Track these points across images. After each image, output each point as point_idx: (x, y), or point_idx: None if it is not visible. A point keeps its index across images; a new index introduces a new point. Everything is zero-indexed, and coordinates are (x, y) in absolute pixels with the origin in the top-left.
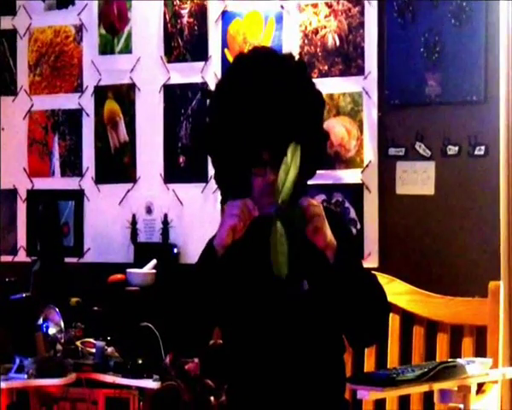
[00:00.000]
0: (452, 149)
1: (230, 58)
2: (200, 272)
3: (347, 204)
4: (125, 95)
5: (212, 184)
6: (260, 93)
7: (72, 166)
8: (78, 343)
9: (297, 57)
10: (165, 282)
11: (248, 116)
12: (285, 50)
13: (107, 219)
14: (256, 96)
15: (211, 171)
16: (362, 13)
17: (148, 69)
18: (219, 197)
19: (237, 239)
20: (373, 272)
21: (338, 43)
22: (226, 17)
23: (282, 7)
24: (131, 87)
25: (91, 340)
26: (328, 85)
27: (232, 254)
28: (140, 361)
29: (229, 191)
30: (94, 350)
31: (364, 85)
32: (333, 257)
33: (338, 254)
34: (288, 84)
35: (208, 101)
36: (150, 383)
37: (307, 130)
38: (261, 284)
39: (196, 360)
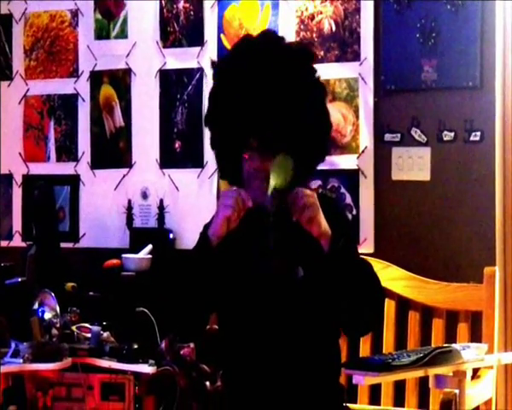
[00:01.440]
0: (448, 135)
1: (226, 43)
2: (196, 261)
3: (343, 190)
4: (121, 80)
5: (208, 169)
6: (255, 78)
7: (67, 152)
8: (73, 328)
9: (306, 45)
10: (161, 267)
11: (240, 100)
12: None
13: (103, 205)
14: (251, 81)
15: (207, 156)
16: None
17: (143, 54)
18: (215, 183)
19: (232, 229)
20: (368, 260)
21: (334, 28)
22: (222, 2)
23: None
24: (127, 72)
25: (87, 325)
26: (324, 71)
27: (227, 243)
28: (135, 346)
29: (223, 168)
30: (89, 335)
31: (360, 71)
32: (327, 246)
33: (333, 243)
34: (285, 73)
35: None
36: (146, 368)
37: (304, 122)
38: (255, 272)
39: (192, 345)
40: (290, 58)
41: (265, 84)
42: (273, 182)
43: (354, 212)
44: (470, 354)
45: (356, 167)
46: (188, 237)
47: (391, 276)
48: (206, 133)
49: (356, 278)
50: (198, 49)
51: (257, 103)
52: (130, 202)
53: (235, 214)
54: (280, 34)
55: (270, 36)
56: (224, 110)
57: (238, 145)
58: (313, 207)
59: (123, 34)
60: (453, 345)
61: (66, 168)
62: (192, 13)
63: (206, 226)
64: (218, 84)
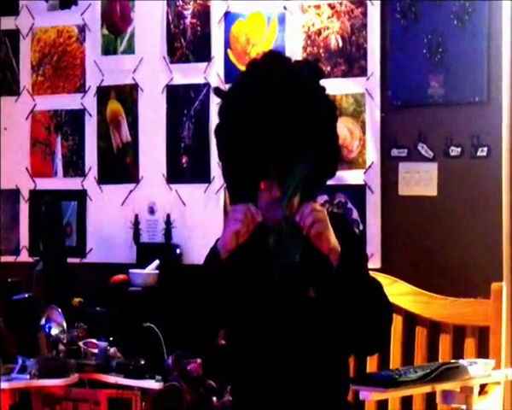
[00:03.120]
0: (455, 151)
1: (233, 59)
2: (205, 275)
3: (350, 205)
4: (128, 95)
5: (215, 184)
6: (270, 108)
7: (74, 167)
8: (80, 344)
9: (312, 64)
10: (169, 282)
11: (257, 130)
12: (288, 52)
13: (110, 220)
14: (265, 110)
15: (213, 171)
16: (365, 14)
17: (150, 69)
18: (222, 198)
19: (241, 243)
20: (375, 275)
21: (341, 44)
22: (229, 18)
23: (284, 8)
24: (134, 87)
25: (94, 340)
26: (330, 86)
27: (237, 258)
28: (142, 362)
29: (235, 198)
30: (96, 351)
31: (367, 86)
32: (336, 262)
33: (342, 258)
34: (299, 98)
35: (220, 102)
36: (152, 384)
37: (318, 144)
38: (265, 289)
39: (199, 360)
40: (301, 82)
41: (279, 112)
42: (286, 195)
43: (361, 227)
44: (477, 369)
45: (363, 183)
46: (195, 252)
47: (398, 291)
48: (213, 148)
49: (365, 296)
50: (205, 64)
51: (273, 134)
52: (137, 216)
53: (244, 228)
54: (287, 52)
55: (276, 58)
56: (238, 143)
57: (254, 175)
58: (322, 223)
59: (130, 49)
60: (460, 361)
61: (73, 183)
62: (199, 28)
63: (216, 243)
64: (228, 118)
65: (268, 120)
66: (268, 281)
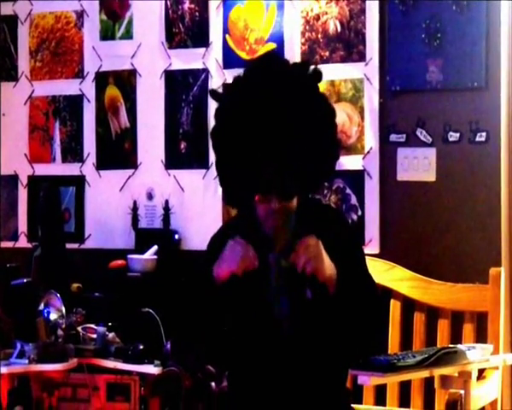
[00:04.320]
0: (453, 136)
1: (232, 44)
2: (203, 293)
3: (348, 190)
4: (126, 81)
5: (213, 170)
6: (267, 112)
7: (73, 152)
8: (79, 329)
9: (310, 67)
10: (167, 268)
11: (254, 135)
12: (287, 37)
13: (108, 205)
14: (262, 115)
15: (212, 157)
16: None
17: (149, 55)
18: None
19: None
20: (373, 260)
21: (339, 29)
22: (227, 3)
23: None
24: (132, 73)
25: (92, 325)
26: (329, 72)
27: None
28: (141, 347)
29: (230, 199)
30: (95, 336)
31: (366, 72)
32: (333, 287)
33: (338, 285)
34: (296, 104)
35: (217, 103)
36: (151, 369)
37: (315, 148)
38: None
39: None
40: (299, 87)
41: (276, 117)
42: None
43: (359, 213)
44: (475, 354)
45: (361, 168)
46: (193, 238)
47: (396, 276)
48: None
49: (359, 314)
50: (203, 49)
51: (274, 143)
52: (135, 202)
53: (239, 271)
54: (285, 37)
55: (274, 62)
56: (235, 147)
57: (251, 181)
58: (316, 259)
59: (128, 35)
60: (458, 346)
61: (71, 169)
62: (197, 14)
63: (214, 239)
64: (225, 122)
65: (265, 125)
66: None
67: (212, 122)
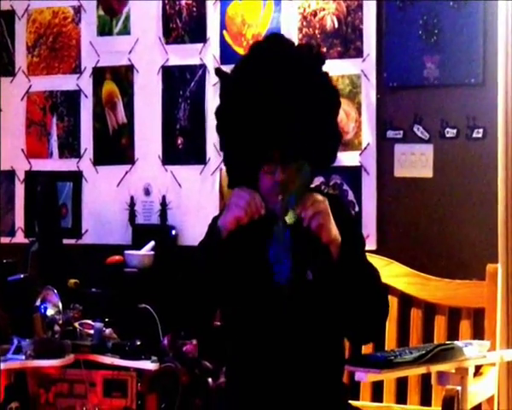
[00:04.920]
0: (450, 132)
1: (229, 40)
2: (205, 250)
3: (345, 186)
4: (124, 76)
5: (211, 165)
6: (274, 91)
7: (70, 148)
8: (76, 325)
9: (315, 49)
10: (164, 263)
11: (261, 113)
12: (284, 33)
13: (106, 201)
14: (270, 93)
15: (209, 153)
16: None
17: (146, 50)
18: (218, 179)
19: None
20: (373, 265)
21: (336, 25)
22: None
23: None
24: (130, 68)
25: (89, 321)
26: (326, 67)
27: (237, 237)
28: (138, 343)
29: (235, 181)
30: (92, 331)
31: (363, 68)
32: (337, 253)
33: (342, 250)
34: (302, 81)
35: (222, 83)
36: (148, 365)
37: (320, 128)
38: (263, 271)
39: (194, 341)
40: (304, 65)
41: (283, 95)
42: (286, 189)
43: (356, 208)
44: (472, 351)
45: (358, 164)
46: (190, 234)
47: (393, 272)
48: (209, 129)
49: (363, 286)
50: (200, 45)
51: (277, 116)
52: (132, 198)
53: (246, 217)
54: (282, 33)
55: (280, 42)
56: (240, 125)
57: (256, 158)
58: (323, 214)
59: (125, 30)
60: (455, 342)
61: (68, 165)
62: (195, 9)
63: (215, 219)
64: (231, 99)
65: (271, 102)
66: (265, 264)
67: (209, 118)
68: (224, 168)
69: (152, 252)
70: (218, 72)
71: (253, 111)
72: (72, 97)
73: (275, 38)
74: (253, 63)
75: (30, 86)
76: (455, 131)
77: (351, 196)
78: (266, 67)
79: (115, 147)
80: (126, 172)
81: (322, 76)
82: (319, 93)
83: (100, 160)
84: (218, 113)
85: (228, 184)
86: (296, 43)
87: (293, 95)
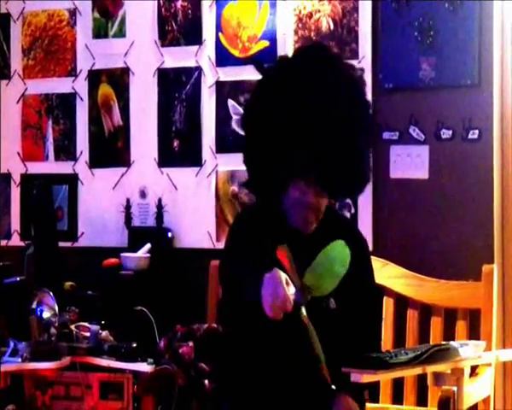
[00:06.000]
0: (446, 133)
1: (225, 42)
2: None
3: None
4: (119, 79)
5: (207, 168)
6: (320, 101)
7: (65, 151)
8: (72, 327)
9: (358, 71)
10: (161, 266)
11: (307, 130)
12: (279, 35)
13: (101, 204)
14: (317, 103)
15: (205, 155)
16: None
17: (141, 53)
18: (214, 181)
19: None
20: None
21: (332, 27)
22: (220, 1)
23: None
24: (125, 71)
25: (85, 324)
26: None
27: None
28: (134, 345)
29: (256, 183)
30: (88, 334)
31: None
32: None
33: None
34: (352, 107)
35: (260, 78)
36: (144, 367)
37: (358, 162)
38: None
39: (190, 343)
40: (355, 87)
41: (331, 110)
42: (309, 282)
43: (352, 210)
44: (468, 351)
45: None
46: (186, 236)
47: (389, 274)
48: (205, 132)
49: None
50: (196, 47)
51: (323, 140)
52: (128, 200)
53: (276, 317)
54: (278, 35)
55: (330, 55)
56: (280, 131)
57: (290, 170)
58: None
59: (121, 33)
60: (451, 342)
61: (64, 167)
62: (190, 12)
63: (236, 231)
64: (270, 100)
65: (318, 111)
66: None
67: (205, 120)
68: (219, 170)
69: (148, 254)
70: (257, 64)
71: (297, 114)
72: (68, 100)
73: (322, 48)
74: (300, 66)
75: (25, 89)
76: (450, 132)
77: (347, 198)
78: (318, 75)
79: (111, 149)
80: (122, 175)
81: (367, 101)
82: (363, 123)
83: (96, 162)
84: (252, 108)
85: (245, 183)
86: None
87: (341, 119)
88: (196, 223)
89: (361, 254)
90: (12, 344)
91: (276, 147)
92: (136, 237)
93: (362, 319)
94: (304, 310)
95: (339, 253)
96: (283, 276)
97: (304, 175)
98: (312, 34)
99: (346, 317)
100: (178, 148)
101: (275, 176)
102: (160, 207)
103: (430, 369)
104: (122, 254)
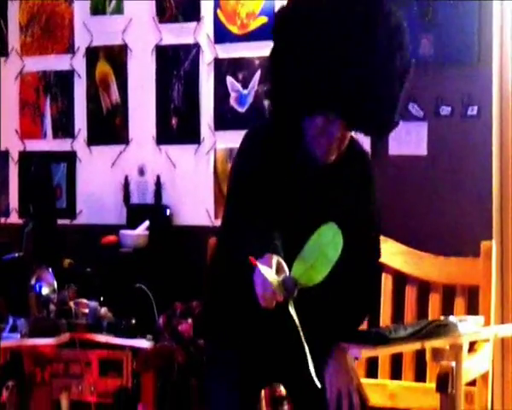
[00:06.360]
0: (445, 110)
1: (223, 19)
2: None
3: None
4: (117, 56)
5: (205, 145)
6: (360, 34)
7: (64, 128)
8: (71, 304)
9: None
10: (159, 243)
11: (342, 54)
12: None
13: (100, 181)
14: (357, 35)
15: (203, 132)
16: None
17: (140, 30)
18: (212, 159)
19: None
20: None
21: None
22: None
23: None
24: (123, 48)
25: (84, 300)
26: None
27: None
28: (133, 321)
29: (282, 110)
30: (87, 311)
31: None
32: None
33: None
34: (390, 44)
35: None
36: (143, 343)
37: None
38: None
39: (189, 320)
40: (394, 28)
41: (371, 51)
42: (298, 272)
43: None
44: (467, 327)
45: None
46: (185, 213)
47: (388, 250)
48: (203, 109)
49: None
50: (194, 24)
51: (364, 66)
52: (126, 178)
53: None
54: (277, 8)
55: None
56: (319, 59)
57: (319, 101)
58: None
59: (119, 10)
60: (450, 318)
61: (62, 145)
62: None
63: (250, 147)
64: (306, 25)
65: (358, 44)
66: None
67: (203, 97)
68: (218, 148)
69: (146, 232)
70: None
71: (335, 43)
72: (66, 78)
73: None
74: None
75: (23, 67)
76: (449, 109)
77: None
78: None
79: (109, 127)
80: (120, 153)
81: (407, 48)
82: (402, 60)
83: (94, 140)
84: (285, 30)
85: (269, 92)
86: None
87: (382, 56)
88: (195, 200)
89: (366, 191)
90: (11, 321)
91: (312, 76)
92: (135, 214)
93: (358, 252)
94: (291, 307)
95: (331, 237)
96: (275, 262)
97: (333, 106)
98: None
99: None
100: (177, 125)
101: (303, 104)
102: (158, 184)
103: (429, 344)
104: (121, 232)
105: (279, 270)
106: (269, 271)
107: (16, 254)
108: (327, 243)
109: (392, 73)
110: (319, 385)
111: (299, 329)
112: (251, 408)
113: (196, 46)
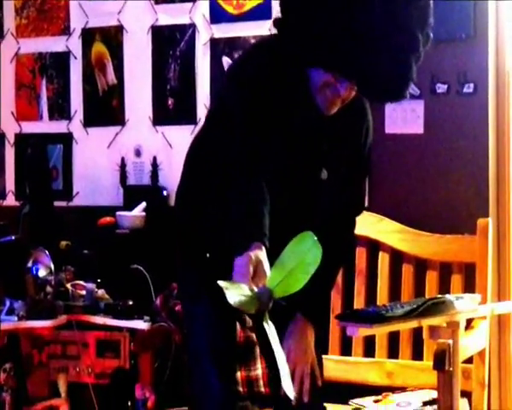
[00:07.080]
0: (441, 88)
1: None
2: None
3: None
4: (113, 37)
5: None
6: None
7: (60, 110)
8: (68, 286)
9: None
10: (156, 224)
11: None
12: None
13: (96, 163)
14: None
15: (200, 113)
16: None
17: (135, 11)
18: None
19: None
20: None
21: None
22: None
23: None
24: (119, 29)
25: (81, 282)
26: None
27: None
28: (130, 303)
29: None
30: (84, 292)
31: None
32: None
33: None
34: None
35: None
36: (141, 324)
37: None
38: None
39: None
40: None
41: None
42: (275, 280)
43: None
44: (463, 304)
45: None
46: None
47: (384, 228)
48: (199, 89)
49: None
50: (190, 4)
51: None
52: (123, 159)
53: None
54: None
55: None
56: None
57: (331, 59)
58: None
59: None
60: (446, 296)
61: (58, 127)
62: None
63: (253, 74)
64: None
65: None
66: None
67: (199, 78)
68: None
69: (143, 213)
70: None
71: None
72: (62, 59)
73: None
74: None
75: (19, 48)
76: (445, 86)
77: None
78: None
79: (105, 108)
80: (117, 134)
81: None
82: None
83: (90, 121)
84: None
85: (278, 20)
86: None
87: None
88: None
89: (363, 143)
90: (8, 303)
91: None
92: (132, 195)
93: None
94: (265, 321)
95: (310, 245)
96: (253, 266)
97: (347, 73)
98: None
99: (334, 185)
100: (173, 106)
101: (312, 56)
102: (155, 165)
103: (426, 322)
104: (117, 213)
105: (257, 272)
106: (242, 285)
107: (13, 237)
108: (306, 251)
109: (410, 45)
110: (293, 398)
111: (273, 343)
112: (229, 337)
113: (192, 26)
